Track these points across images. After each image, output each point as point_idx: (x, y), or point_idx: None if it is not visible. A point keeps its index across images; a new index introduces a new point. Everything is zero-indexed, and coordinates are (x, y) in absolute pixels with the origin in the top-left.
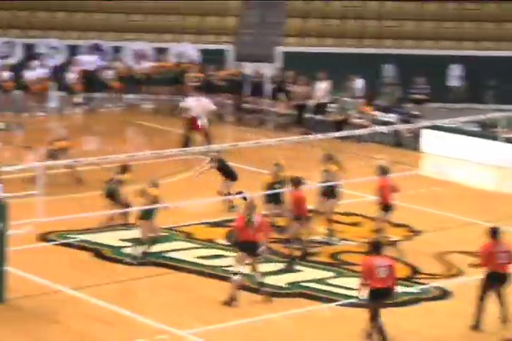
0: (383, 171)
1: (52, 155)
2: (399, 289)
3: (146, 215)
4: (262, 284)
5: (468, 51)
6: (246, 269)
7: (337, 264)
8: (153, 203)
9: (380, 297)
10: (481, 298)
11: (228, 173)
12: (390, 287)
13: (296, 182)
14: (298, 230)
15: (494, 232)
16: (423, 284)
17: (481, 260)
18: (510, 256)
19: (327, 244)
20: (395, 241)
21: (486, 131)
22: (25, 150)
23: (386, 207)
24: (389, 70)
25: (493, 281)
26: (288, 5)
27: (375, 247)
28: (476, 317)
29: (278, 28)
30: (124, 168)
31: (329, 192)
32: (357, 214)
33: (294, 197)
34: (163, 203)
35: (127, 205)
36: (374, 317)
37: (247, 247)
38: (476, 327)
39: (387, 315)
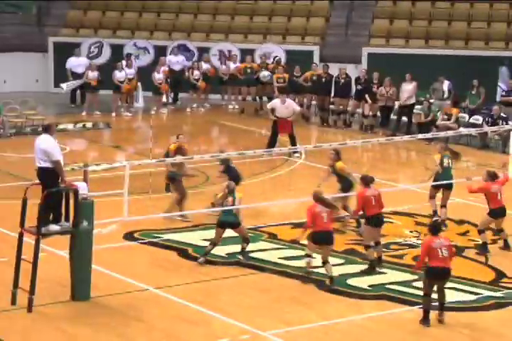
0: (491, 176)
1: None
2: (484, 293)
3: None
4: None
5: None
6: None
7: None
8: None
9: (438, 275)
10: None
11: (233, 177)
12: (448, 267)
13: (366, 181)
14: (369, 232)
15: None
16: (509, 288)
17: None
18: None
19: (411, 246)
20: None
21: None
22: (113, 150)
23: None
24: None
25: None
26: (375, 6)
27: (434, 228)
28: None
29: (365, 29)
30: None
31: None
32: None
33: (360, 196)
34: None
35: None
36: (425, 294)
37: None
38: None
39: (473, 318)
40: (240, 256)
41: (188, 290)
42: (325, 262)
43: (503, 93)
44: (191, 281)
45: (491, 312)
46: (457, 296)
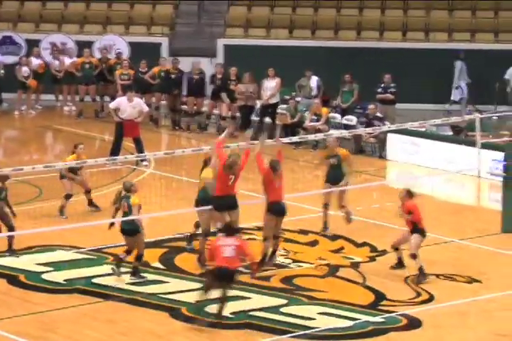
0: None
1: None
2: (359, 317)
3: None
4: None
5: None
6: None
7: (290, 290)
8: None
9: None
10: None
11: None
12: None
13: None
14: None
15: None
16: (390, 312)
17: None
18: None
19: (279, 266)
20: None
21: (461, 135)
22: None
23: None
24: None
25: None
26: None
27: (228, 229)
28: None
29: (219, 18)
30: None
31: None
32: (314, 232)
33: None
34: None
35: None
36: (207, 288)
37: None
38: None
39: None
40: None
41: (20, 323)
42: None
43: (380, 90)
44: (23, 313)
45: (370, 340)
46: (331, 322)
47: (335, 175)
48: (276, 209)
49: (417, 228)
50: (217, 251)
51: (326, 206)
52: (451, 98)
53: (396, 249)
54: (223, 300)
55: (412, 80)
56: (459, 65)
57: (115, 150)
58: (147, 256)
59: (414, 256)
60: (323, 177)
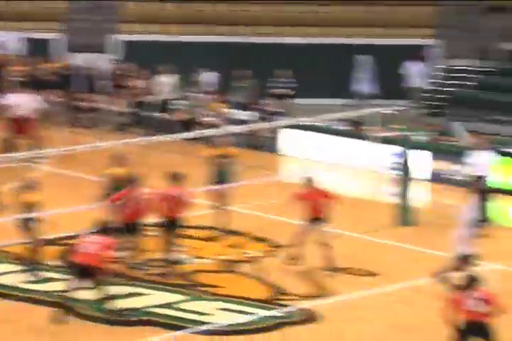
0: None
1: None
2: (258, 312)
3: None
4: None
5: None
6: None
7: (189, 286)
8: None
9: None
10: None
11: None
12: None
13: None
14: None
15: None
16: (287, 306)
17: None
18: None
19: (175, 262)
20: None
21: (356, 129)
22: None
23: None
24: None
25: None
26: None
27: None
28: None
29: (114, 14)
30: None
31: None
32: (212, 228)
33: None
34: None
35: None
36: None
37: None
38: None
39: None
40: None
41: None
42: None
43: (277, 85)
44: None
45: (268, 335)
46: (229, 318)
47: (222, 175)
48: None
49: (317, 218)
50: (77, 246)
51: (216, 206)
52: (357, 92)
53: (295, 244)
54: (110, 297)
55: (309, 75)
56: (362, 59)
57: (9, 147)
58: (45, 253)
59: (325, 245)
60: (212, 177)
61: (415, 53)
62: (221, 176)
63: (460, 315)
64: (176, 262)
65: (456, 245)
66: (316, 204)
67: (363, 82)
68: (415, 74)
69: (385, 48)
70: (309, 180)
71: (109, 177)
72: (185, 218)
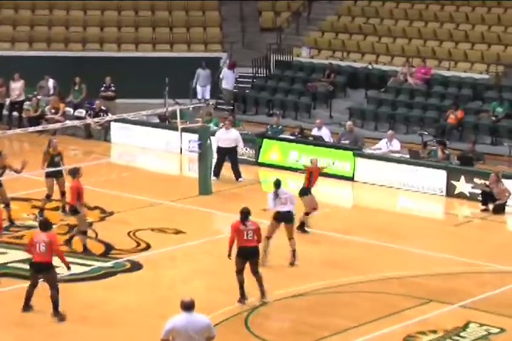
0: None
1: None
2: (94, 264)
3: None
4: None
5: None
6: None
7: None
8: None
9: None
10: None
11: None
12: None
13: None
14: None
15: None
16: (117, 259)
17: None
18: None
19: (29, 227)
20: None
21: (166, 122)
22: None
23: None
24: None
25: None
26: None
27: (42, 224)
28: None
29: None
30: None
31: None
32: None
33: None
34: None
35: None
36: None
37: None
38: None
39: (91, 289)
40: None
41: None
42: None
43: (103, 89)
44: None
45: (103, 281)
46: (73, 269)
47: (57, 170)
48: None
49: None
50: (32, 247)
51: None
52: (199, 97)
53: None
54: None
55: (129, 81)
56: (198, 72)
57: None
58: None
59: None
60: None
61: (231, 63)
62: (56, 172)
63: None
64: (29, 227)
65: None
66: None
67: (200, 90)
68: (228, 79)
69: (187, 60)
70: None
71: None
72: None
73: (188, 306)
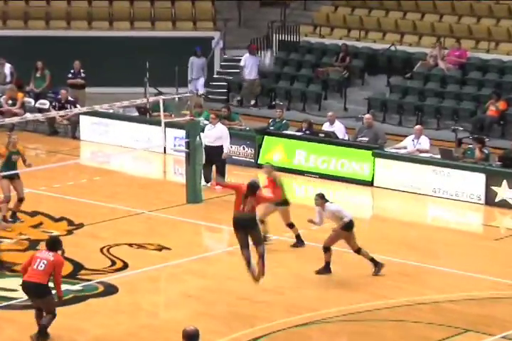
0: None
1: None
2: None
3: None
4: None
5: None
6: None
7: None
8: None
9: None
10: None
11: None
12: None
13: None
14: None
15: None
16: (88, 280)
17: None
18: None
19: None
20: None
21: (147, 116)
22: None
23: None
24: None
25: None
26: None
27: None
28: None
29: None
30: None
31: None
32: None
33: None
34: None
35: None
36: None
37: None
38: None
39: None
40: None
41: None
42: None
43: (70, 75)
44: None
45: (70, 307)
46: None
47: (14, 169)
48: None
49: None
50: (29, 262)
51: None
52: (191, 89)
53: None
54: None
55: (102, 66)
56: (192, 60)
57: None
58: None
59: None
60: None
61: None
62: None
63: None
64: None
65: None
66: None
67: (197, 81)
68: (251, 66)
69: (171, 40)
70: None
71: None
72: None
73: (192, 337)
